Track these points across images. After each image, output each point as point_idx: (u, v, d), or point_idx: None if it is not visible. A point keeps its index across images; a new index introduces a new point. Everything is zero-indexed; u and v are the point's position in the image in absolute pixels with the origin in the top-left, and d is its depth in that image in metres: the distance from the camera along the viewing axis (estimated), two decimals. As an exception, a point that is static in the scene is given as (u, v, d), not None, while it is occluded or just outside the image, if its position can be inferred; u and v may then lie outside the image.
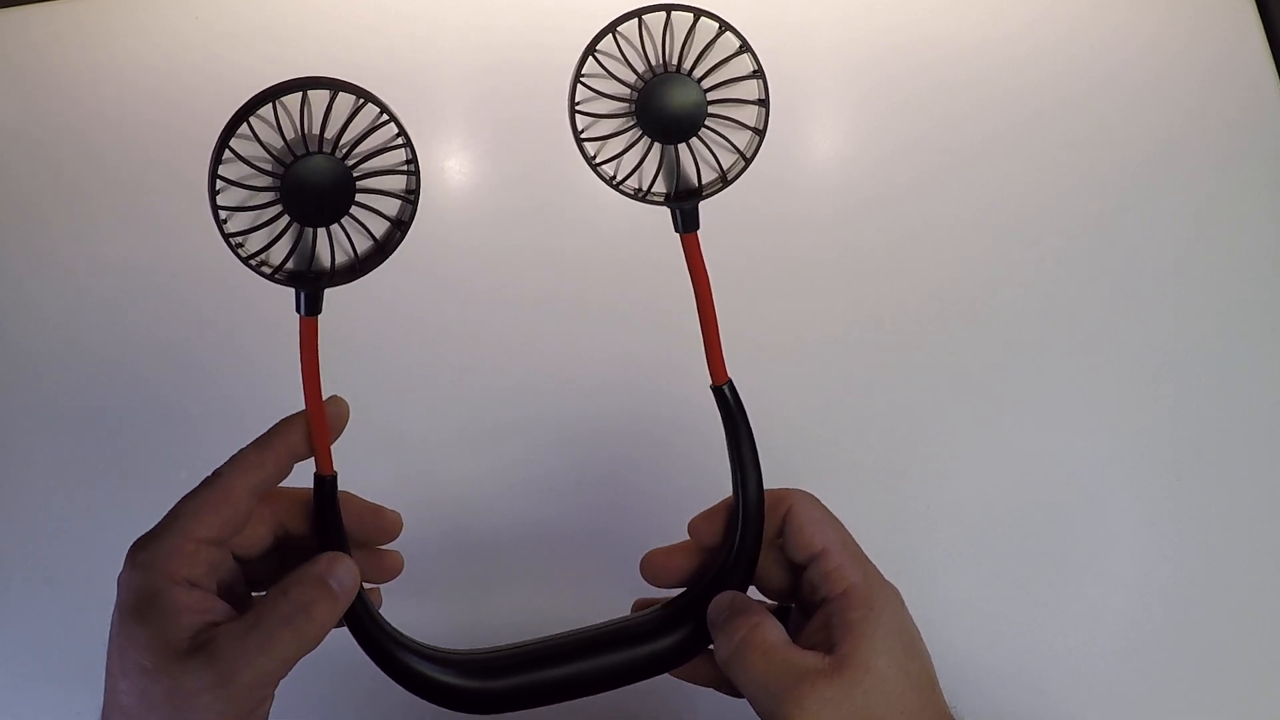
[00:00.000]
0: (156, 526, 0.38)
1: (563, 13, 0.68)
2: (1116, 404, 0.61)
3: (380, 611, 0.41)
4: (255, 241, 0.38)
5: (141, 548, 0.38)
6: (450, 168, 0.66)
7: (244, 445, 0.39)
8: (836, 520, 0.42)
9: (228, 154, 0.37)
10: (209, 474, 0.39)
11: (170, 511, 0.38)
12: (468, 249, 0.64)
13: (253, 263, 0.38)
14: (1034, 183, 0.65)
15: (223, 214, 0.37)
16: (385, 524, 0.42)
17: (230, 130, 0.37)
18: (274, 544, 0.41)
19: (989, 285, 0.63)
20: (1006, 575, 0.57)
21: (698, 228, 0.40)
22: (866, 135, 0.67)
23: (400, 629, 0.41)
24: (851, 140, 0.67)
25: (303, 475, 0.40)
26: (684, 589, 0.43)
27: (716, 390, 0.41)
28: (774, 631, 0.39)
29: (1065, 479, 0.59)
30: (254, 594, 0.42)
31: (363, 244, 0.38)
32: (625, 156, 0.40)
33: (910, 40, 0.68)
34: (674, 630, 0.42)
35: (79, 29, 0.69)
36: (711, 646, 0.41)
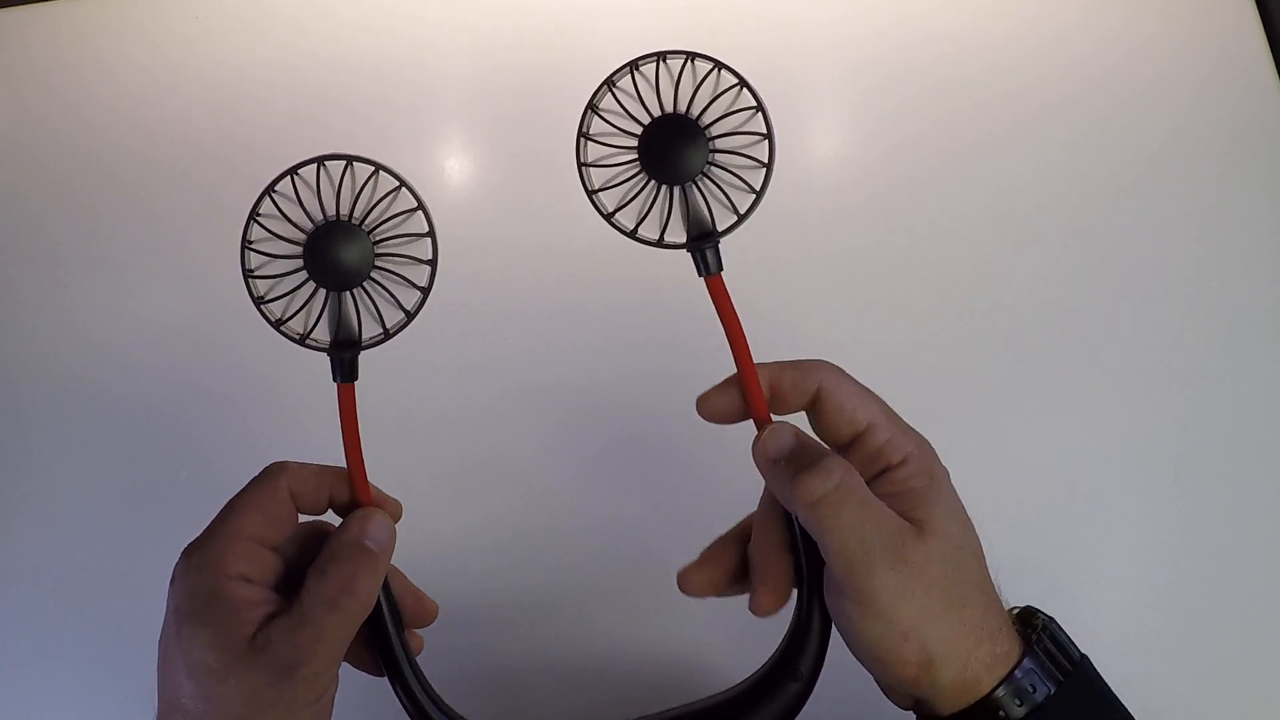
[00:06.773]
0: (205, 530, 0.38)
1: (564, 12, 0.69)
2: (1117, 403, 0.61)
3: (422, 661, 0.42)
4: (286, 308, 0.39)
5: (194, 550, 0.38)
6: (450, 167, 0.67)
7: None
8: (871, 391, 0.40)
9: (255, 229, 0.39)
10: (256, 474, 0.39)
11: (219, 513, 0.39)
12: (470, 248, 0.64)
13: (284, 330, 0.40)
14: (1034, 182, 0.66)
15: (254, 284, 0.39)
16: (424, 611, 0.42)
17: (255, 206, 0.39)
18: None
19: (988, 285, 0.64)
20: (1007, 574, 0.57)
21: (721, 269, 0.40)
22: (866, 135, 0.67)
23: (439, 663, 0.42)
24: (851, 140, 0.67)
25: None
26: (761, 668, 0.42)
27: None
28: (863, 482, 0.37)
29: (1066, 478, 0.59)
30: None
31: (386, 306, 0.40)
32: (636, 202, 0.41)
33: (910, 40, 0.69)
34: (762, 703, 0.41)
35: (79, 30, 0.70)
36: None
